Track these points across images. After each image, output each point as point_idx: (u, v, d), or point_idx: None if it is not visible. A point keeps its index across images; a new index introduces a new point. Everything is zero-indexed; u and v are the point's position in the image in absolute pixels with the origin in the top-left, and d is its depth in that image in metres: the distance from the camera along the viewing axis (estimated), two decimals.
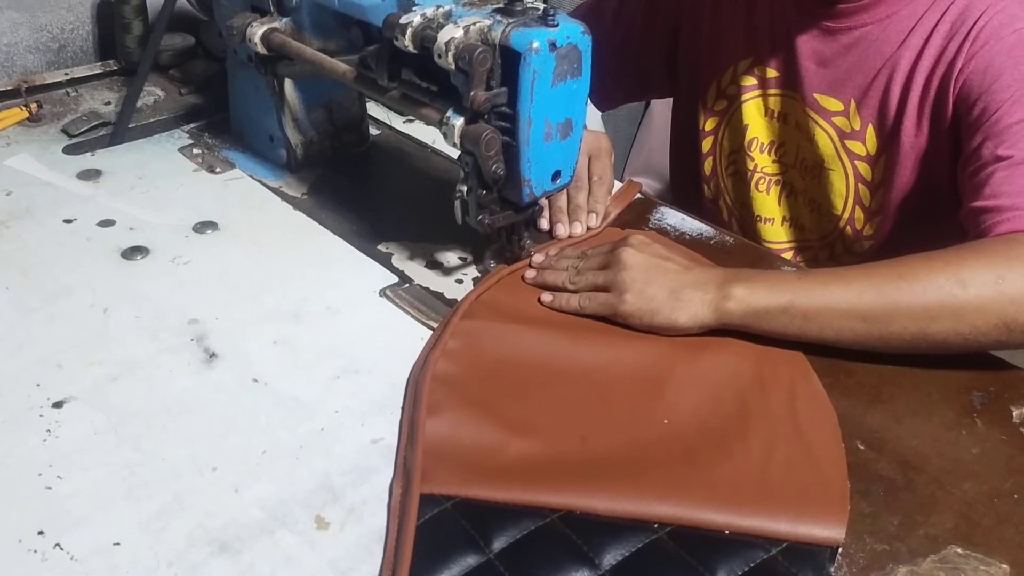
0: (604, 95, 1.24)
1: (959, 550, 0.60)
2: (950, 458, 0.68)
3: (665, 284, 0.77)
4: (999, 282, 0.69)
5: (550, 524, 0.61)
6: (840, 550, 0.60)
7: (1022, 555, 0.60)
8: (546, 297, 0.82)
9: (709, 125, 1.12)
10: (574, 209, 0.92)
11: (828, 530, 0.61)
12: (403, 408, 0.70)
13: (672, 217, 0.99)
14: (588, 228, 0.92)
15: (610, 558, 0.59)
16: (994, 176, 0.78)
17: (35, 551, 0.58)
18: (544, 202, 0.90)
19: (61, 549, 0.58)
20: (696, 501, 0.62)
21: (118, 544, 0.59)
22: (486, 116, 0.76)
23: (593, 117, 2.04)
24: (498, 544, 0.59)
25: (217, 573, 0.57)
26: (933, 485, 0.65)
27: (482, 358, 0.75)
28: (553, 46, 0.73)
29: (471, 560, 0.58)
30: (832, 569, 0.59)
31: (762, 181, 1.09)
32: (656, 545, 0.60)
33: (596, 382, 0.73)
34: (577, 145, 0.82)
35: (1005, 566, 0.59)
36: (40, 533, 0.59)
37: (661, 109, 2.08)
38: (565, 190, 0.90)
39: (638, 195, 1.01)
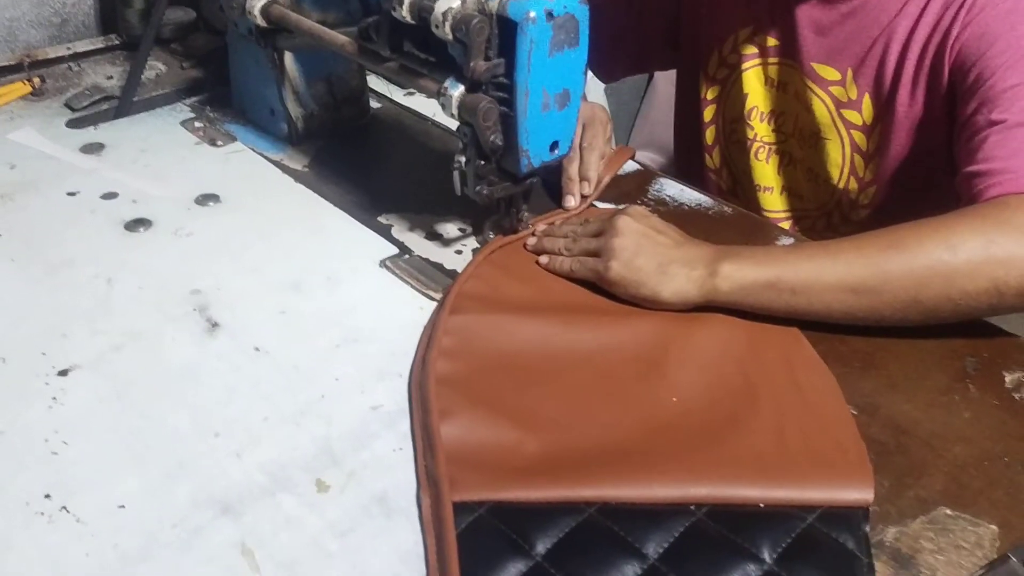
0: (607, 67, 1.24)
1: (948, 511, 0.61)
2: (942, 422, 0.68)
3: (654, 256, 0.78)
4: (989, 246, 0.70)
5: (589, 519, 0.60)
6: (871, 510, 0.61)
7: (1010, 516, 0.61)
8: (543, 259, 0.84)
9: (711, 94, 1.12)
10: (566, 181, 0.93)
11: (857, 492, 0.62)
12: (411, 414, 0.68)
13: (671, 188, 0.99)
14: (582, 197, 0.93)
15: (655, 546, 0.58)
16: (987, 141, 0.78)
17: (42, 513, 0.59)
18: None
19: (67, 511, 0.59)
20: (727, 478, 0.62)
21: (123, 507, 0.60)
22: (484, 87, 0.76)
23: (596, 91, 2.05)
24: (542, 546, 0.58)
25: (220, 534, 0.58)
26: (924, 449, 0.66)
27: (480, 353, 0.73)
28: (550, 15, 0.73)
29: (520, 566, 0.57)
30: (867, 528, 0.60)
31: (762, 150, 1.09)
32: (697, 527, 0.60)
33: (598, 366, 0.73)
34: (575, 115, 0.82)
35: (993, 527, 0.60)
36: (47, 496, 0.60)
37: (664, 83, 2.07)
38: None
39: (631, 161, 1.02)
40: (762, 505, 0.61)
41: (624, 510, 0.60)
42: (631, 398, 0.70)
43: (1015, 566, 0.57)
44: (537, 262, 0.84)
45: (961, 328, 0.75)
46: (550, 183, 0.94)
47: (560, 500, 0.61)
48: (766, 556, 0.58)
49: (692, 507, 0.61)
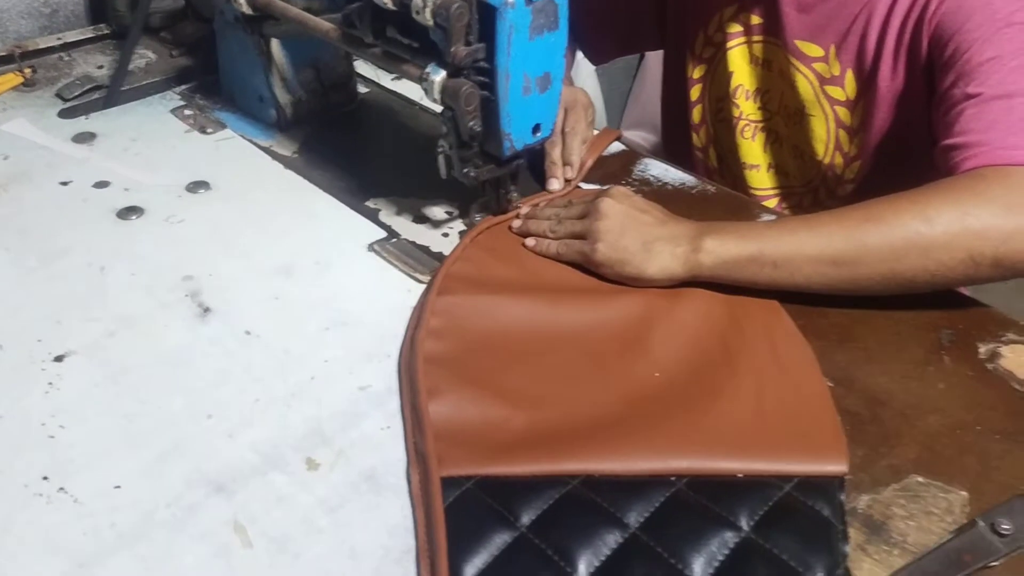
0: (596, 48, 1.25)
1: (920, 479, 0.63)
2: (916, 393, 0.70)
3: (638, 235, 0.79)
4: (964, 217, 0.71)
5: (572, 491, 0.62)
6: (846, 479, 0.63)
7: (980, 483, 0.63)
8: (529, 241, 0.86)
9: (697, 73, 1.13)
10: (549, 165, 0.94)
11: (833, 464, 0.64)
12: (400, 394, 0.70)
13: (655, 168, 1.01)
14: (565, 181, 0.95)
15: (636, 515, 0.60)
16: (964, 114, 0.80)
17: (40, 495, 0.61)
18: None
19: (65, 492, 0.61)
20: (706, 450, 0.64)
21: (119, 487, 0.62)
22: (465, 72, 0.77)
23: (587, 71, 2.06)
24: (527, 517, 0.60)
25: (213, 512, 0.60)
26: (898, 419, 0.68)
27: (468, 333, 0.75)
28: (529, 0, 0.74)
29: (505, 537, 0.59)
30: (842, 497, 0.62)
31: (747, 128, 1.11)
32: (678, 497, 0.62)
33: (583, 344, 0.74)
34: (556, 98, 0.83)
35: (964, 493, 0.62)
36: (45, 478, 0.62)
37: (655, 62, 2.07)
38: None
39: (617, 142, 1.03)
40: (741, 475, 0.63)
41: (607, 482, 0.62)
42: (614, 374, 0.72)
43: (982, 530, 0.59)
44: (523, 244, 0.86)
45: (937, 300, 0.77)
46: (535, 167, 0.96)
47: (545, 474, 0.63)
48: (743, 524, 0.60)
49: (673, 478, 0.63)
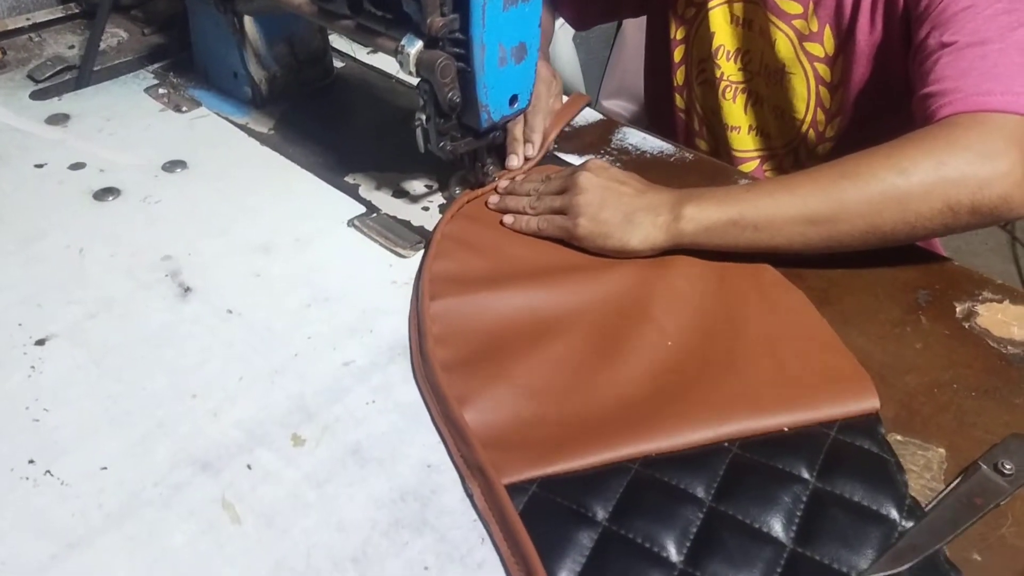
0: (578, 14, 1.25)
1: (899, 437, 0.64)
2: (894, 353, 0.71)
3: (619, 208, 0.80)
4: (940, 167, 0.72)
5: (637, 475, 0.61)
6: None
7: (958, 439, 0.64)
8: (507, 219, 0.85)
9: (680, 34, 1.13)
10: (510, 142, 0.93)
11: (866, 401, 0.66)
12: (428, 408, 0.67)
13: (633, 136, 1.01)
14: (525, 158, 0.93)
15: (705, 487, 0.60)
16: (939, 62, 0.80)
17: (27, 478, 0.61)
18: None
19: (51, 475, 0.61)
20: (746, 410, 0.65)
21: (105, 468, 0.62)
22: (441, 43, 0.77)
23: (565, 41, 2.04)
24: (602, 510, 0.59)
25: (200, 490, 0.61)
26: (876, 380, 0.68)
27: (471, 335, 0.73)
28: None
29: (591, 533, 0.58)
30: (882, 431, 0.64)
31: (729, 89, 1.11)
32: (738, 461, 0.62)
33: (587, 325, 0.73)
34: (533, 68, 0.83)
35: (941, 450, 0.63)
36: (31, 462, 0.62)
37: (633, 31, 2.07)
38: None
39: (592, 110, 1.03)
40: (787, 429, 0.64)
41: (664, 460, 0.62)
42: (629, 350, 0.71)
43: (987, 473, 0.60)
44: (501, 222, 0.85)
45: (913, 260, 0.78)
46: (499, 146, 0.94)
47: (603, 463, 0.62)
48: (806, 475, 0.61)
49: (726, 444, 0.63)
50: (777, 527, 0.58)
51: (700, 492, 0.60)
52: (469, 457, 0.63)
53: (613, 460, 0.62)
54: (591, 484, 0.61)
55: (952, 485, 0.61)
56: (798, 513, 0.59)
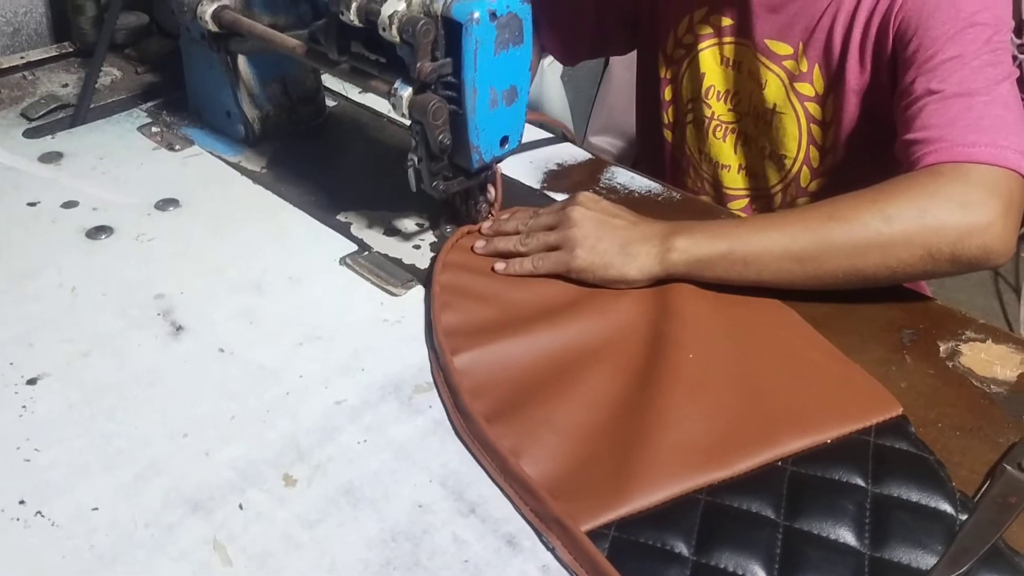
0: (568, 50, 1.27)
1: None
2: None
3: (615, 239, 0.81)
4: (922, 216, 0.74)
5: (708, 505, 0.62)
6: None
7: None
8: (499, 266, 0.84)
9: (668, 74, 1.15)
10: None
11: (889, 410, 0.69)
12: (474, 456, 0.67)
13: (622, 175, 1.02)
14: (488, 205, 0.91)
15: (774, 509, 0.61)
16: (925, 109, 0.82)
17: (17, 519, 0.61)
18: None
19: (42, 516, 0.61)
20: (789, 428, 0.67)
21: (96, 509, 0.62)
22: (433, 86, 0.78)
23: (553, 79, 2.07)
24: (685, 545, 0.59)
25: (191, 531, 0.61)
26: None
27: (502, 385, 0.72)
28: (493, 16, 0.76)
29: (683, 569, 0.58)
30: (912, 430, 0.67)
31: (719, 129, 1.13)
32: (796, 478, 0.64)
33: (614, 355, 0.74)
34: (523, 110, 0.84)
35: None
36: (21, 502, 0.62)
37: (620, 68, 2.10)
38: None
39: (582, 150, 1.04)
40: (829, 441, 0.66)
41: (727, 486, 0.63)
42: (657, 374, 0.71)
43: (1014, 473, 0.62)
44: (493, 268, 0.84)
45: (898, 299, 0.80)
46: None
47: (669, 498, 0.62)
48: (862, 482, 0.63)
49: (779, 463, 0.65)
50: (850, 536, 0.60)
51: (771, 513, 0.61)
52: (541, 511, 0.62)
53: (679, 493, 0.63)
54: (667, 520, 0.61)
55: (983, 490, 0.62)
56: (866, 520, 0.61)
